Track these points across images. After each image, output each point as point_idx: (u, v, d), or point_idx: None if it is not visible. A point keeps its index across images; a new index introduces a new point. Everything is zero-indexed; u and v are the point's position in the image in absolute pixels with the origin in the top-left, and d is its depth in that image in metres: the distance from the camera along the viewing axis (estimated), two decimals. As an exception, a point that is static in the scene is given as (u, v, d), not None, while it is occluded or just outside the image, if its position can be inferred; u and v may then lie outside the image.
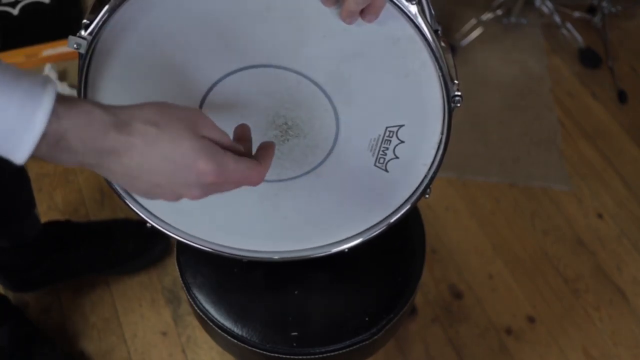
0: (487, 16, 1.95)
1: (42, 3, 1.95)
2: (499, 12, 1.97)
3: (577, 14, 2.02)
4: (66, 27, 1.87)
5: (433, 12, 0.65)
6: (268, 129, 0.72)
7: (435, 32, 0.62)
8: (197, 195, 0.56)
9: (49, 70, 1.77)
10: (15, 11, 1.90)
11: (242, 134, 0.65)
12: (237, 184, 0.59)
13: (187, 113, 0.56)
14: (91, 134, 0.50)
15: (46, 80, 0.49)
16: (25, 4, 1.93)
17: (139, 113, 0.53)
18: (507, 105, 1.85)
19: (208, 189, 0.56)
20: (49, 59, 1.83)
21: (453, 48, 1.91)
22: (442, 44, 0.63)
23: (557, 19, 1.96)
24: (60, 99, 0.49)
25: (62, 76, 1.80)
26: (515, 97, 1.87)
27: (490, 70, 1.93)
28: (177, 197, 0.56)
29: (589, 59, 1.95)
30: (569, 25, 1.96)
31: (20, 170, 1.21)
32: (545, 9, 1.98)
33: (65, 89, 1.74)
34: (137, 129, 0.52)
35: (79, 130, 0.50)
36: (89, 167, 0.53)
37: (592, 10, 2.05)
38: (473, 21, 1.95)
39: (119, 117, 0.52)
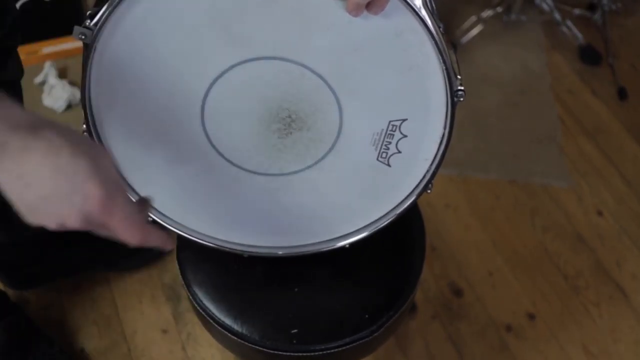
0: (487, 13, 1.95)
1: (42, 1, 1.94)
2: (499, 9, 1.97)
3: (577, 11, 2.01)
4: (66, 24, 1.86)
5: (436, 10, 0.65)
6: (271, 122, 0.72)
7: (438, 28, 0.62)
8: (75, 221, 0.53)
9: (49, 68, 1.77)
10: (14, 8, 1.89)
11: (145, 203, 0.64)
12: (118, 227, 0.55)
13: (99, 147, 0.55)
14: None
15: None
16: (26, 1, 1.92)
17: (55, 124, 0.52)
18: (507, 103, 1.84)
19: (89, 218, 0.53)
20: (49, 56, 1.83)
21: (453, 45, 1.91)
22: (445, 40, 0.63)
23: (557, 16, 1.96)
24: None
25: (62, 73, 1.80)
26: (515, 94, 1.87)
27: (491, 67, 1.93)
28: (57, 220, 0.53)
29: (589, 56, 1.95)
30: (569, 22, 1.96)
31: None
32: (545, 6, 1.98)
33: (65, 86, 1.74)
34: (45, 135, 0.50)
35: None
36: None
37: (592, 7, 2.05)
38: (473, 18, 1.95)
39: (34, 118, 0.51)
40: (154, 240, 0.59)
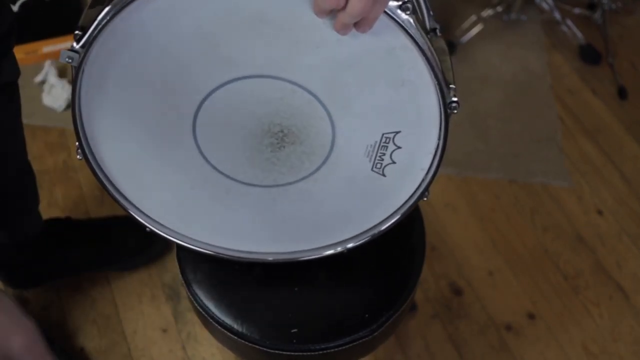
0: (487, 13, 1.95)
1: (42, 0, 1.94)
2: (499, 8, 1.97)
3: (577, 10, 2.01)
4: (66, 23, 1.86)
5: (432, 12, 0.64)
6: (263, 137, 0.72)
7: (434, 30, 0.62)
8: None
9: (48, 67, 1.77)
10: (15, 8, 1.89)
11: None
12: None
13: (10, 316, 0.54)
14: None
15: None
16: (26, 1, 1.92)
17: None
18: (507, 102, 1.84)
19: None
20: (49, 55, 1.83)
21: (453, 45, 1.91)
22: (440, 44, 0.63)
23: (557, 15, 1.96)
24: None
25: (62, 73, 1.80)
26: (516, 94, 1.87)
27: (490, 67, 1.93)
28: None
29: (589, 55, 1.95)
30: (569, 21, 1.96)
31: (25, 166, 1.21)
32: (545, 6, 1.98)
33: (65, 85, 1.74)
34: None
35: None
36: None
37: (592, 6, 2.05)
38: (473, 18, 1.95)
39: None
40: None
